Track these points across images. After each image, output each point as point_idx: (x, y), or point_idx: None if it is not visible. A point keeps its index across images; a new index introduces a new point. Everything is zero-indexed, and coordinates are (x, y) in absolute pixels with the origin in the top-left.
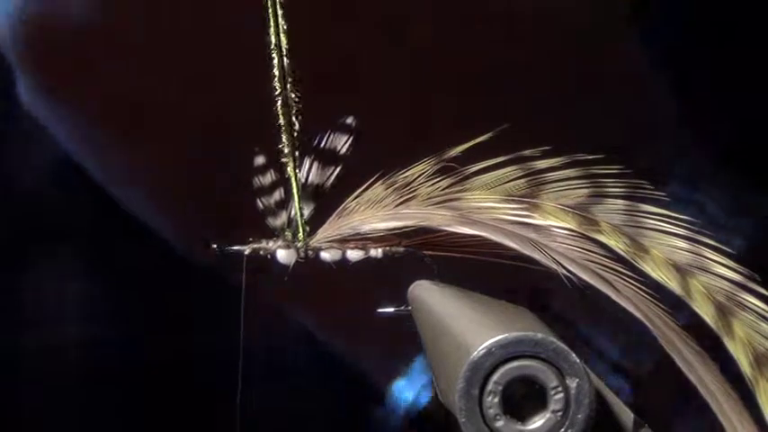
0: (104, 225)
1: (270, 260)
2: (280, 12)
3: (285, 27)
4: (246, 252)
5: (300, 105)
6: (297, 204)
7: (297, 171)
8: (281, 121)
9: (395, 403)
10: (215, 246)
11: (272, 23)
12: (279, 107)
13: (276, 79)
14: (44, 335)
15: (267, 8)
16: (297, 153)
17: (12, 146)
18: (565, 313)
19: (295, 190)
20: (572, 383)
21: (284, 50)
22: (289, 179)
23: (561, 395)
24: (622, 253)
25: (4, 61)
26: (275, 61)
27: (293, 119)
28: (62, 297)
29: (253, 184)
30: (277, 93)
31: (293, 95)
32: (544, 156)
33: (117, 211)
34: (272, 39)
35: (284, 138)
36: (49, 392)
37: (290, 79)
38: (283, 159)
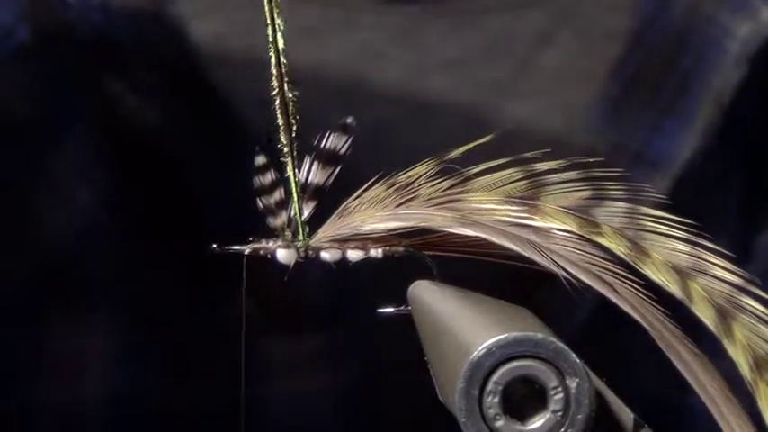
0: (129, 279)
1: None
2: (276, 10)
3: (281, 26)
4: (246, 252)
5: (298, 105)
6: (296, 204)
7: (296, 171)
8: (280, 120)
9: None
10: (215, 246)
11: (268, 21)
12: (277, 106)
13: (274, 78)
14: (65, 389)
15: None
16: (295, 153)
17: (36, 199)
18: None
19: (294, 190)
20: (572, 383)
21: (281, 50)
22: (288, 179)
23: (561, 395)
24: (623, 256)
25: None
26: (273, 60)
27: (291, 119)
28: (84, 351)
29: (253, 184)
30: (275, 92)
31: (291, 95)
32: (545, 158)
33: (142, 265)
34: (270, 37)
35: (282, 138)
36: None
37: (287, 79)
38: (282, 159)
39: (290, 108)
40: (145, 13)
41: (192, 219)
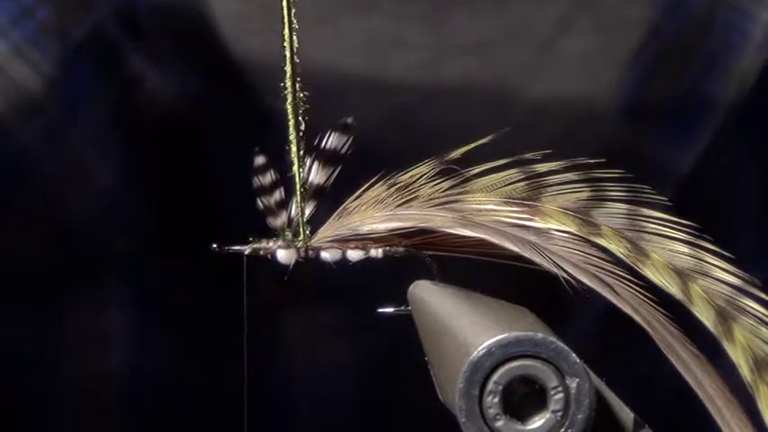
0: (148, 254)
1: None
2: (293, 10)
3: (296, 26)
4: (246, 252)
5: (307, 105)
6: (299, 204)
7: (301, 170)
8: (290, 119)
9: None
10: (214, 245)
11: (285, 19)
12: (288, 105)
13: (287, 77)
14: (85, 365)
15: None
16: (302, 152)
17: (54, 173)
18: None
19: (298, 189)
20: (572, 383)
21: (294, 49)
22: (291, 178)
23: (561, 395)
24: (623, 257)
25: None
26: (287, 58)
27: (300, 118)
28: (104, 327)
29: (253, 184)
30: (286, 91)
31: (301, 95)
32: (545, 159)
33: (160, 240)
34: (286, 35)
35: (291, 137)
36: (86, 424)
37: (298, 78)
38: (291, 158)
39: (300, 107)
40: None
41: (212, 199)
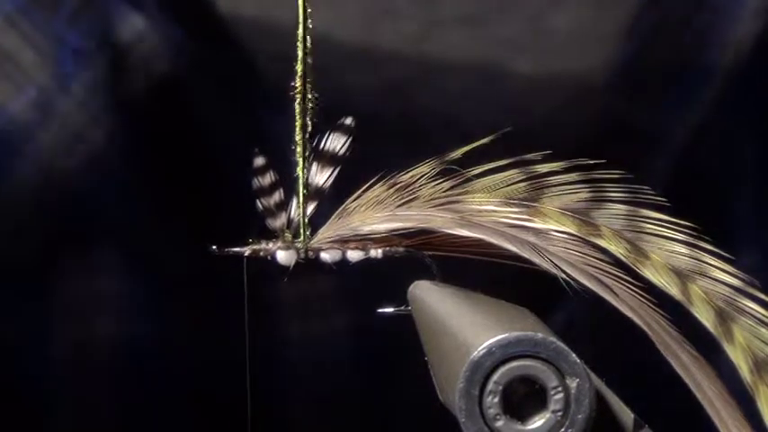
0: (148, 224)
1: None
2: (309, 9)
3: (311, 25)
4: (246, 253)
5: (317, 107)
6: (301, 204)
7: (305, 171)
8: (297, 120)
9: None
10: (214, 247)
11: (300, 16)
12: (296, 106)
13: (298, 77)
14: (80, 332)
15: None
16: (308, 153)
17: (55, 140)
18: None
19: (301, 191)
20: (572, 383)
21: (308, 49)
22: (294, 179)
23: (561, 395)
24: (622, 258)
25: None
26: (300, 57)
27: (308, 119)
28: (101, 295)
29: (252, 185)
30: (296, 91)
31: (310, 96)
32: (545, 160)
33: (162, 210)
34: (300, 34)
35: (297, 137)
36: (83, 392)
37: (308, 79)
38: (297, 158)
39: (308, 108)
40: None
41: (208, 163)
